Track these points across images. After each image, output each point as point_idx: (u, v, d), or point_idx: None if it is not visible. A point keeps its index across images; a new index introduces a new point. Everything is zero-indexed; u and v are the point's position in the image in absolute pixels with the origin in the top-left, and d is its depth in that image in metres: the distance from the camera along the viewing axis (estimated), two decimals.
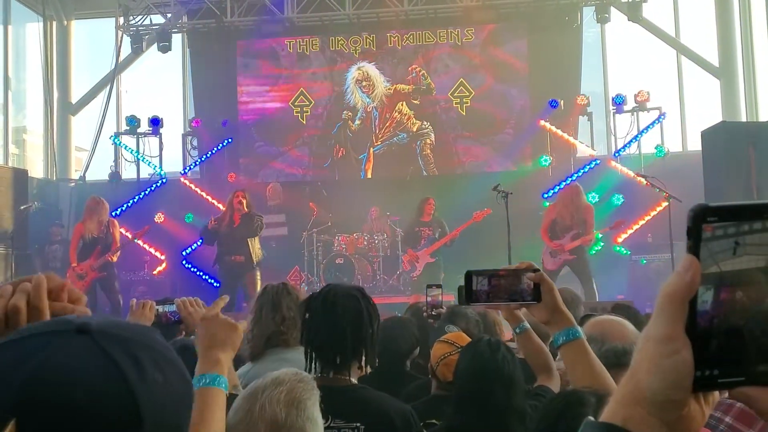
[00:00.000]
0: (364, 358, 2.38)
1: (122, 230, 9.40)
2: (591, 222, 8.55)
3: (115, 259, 8.95)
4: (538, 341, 2.75)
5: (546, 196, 10.45)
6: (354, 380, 2.39)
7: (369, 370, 2.44)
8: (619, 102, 11.19)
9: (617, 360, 1.81)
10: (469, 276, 1.74)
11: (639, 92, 11.06)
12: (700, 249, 0.65)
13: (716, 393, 0.70)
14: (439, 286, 3.95)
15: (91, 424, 0.75)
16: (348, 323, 2.35)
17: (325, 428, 2.23)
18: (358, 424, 2.27)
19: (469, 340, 2.93)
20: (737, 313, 0.65)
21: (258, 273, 8.75)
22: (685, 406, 0.67)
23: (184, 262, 10.88)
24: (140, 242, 10.22)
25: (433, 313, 3.82)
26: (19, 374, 0.75)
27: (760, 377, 0.66)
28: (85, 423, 0.75)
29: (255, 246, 8.81)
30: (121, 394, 0.76)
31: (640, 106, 11.14)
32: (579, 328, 1.76)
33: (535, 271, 1.73)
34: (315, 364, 2.38)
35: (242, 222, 8.72)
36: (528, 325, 2.72)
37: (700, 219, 0.65)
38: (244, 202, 8.76)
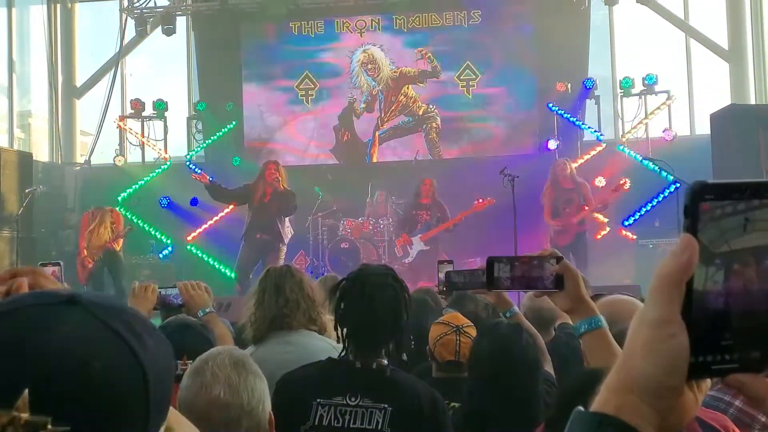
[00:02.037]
0: (394, 343, 2.38)
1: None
2: (588, 195, 8.80)
3: (118, 247, 9.05)
4: (528, 324, 2.76)
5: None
6: (385, 361, 2.39)
7: (403, 357, 2.45)
8: (626, 86, 11.12)
9: None
10: (491, 262, 1.72)
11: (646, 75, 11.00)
12: (697, 228, 0.62)
13: (708, 380, 0.67)
14: (450, 262, 3.93)
15: (108, 393, 0.75)
16: (386, 315, 2.35)
17: (354, 406, 2.28)
18: (386, 406, 2.27)
19: (465, 320, 2.92)
20: (739, 295, 0.63)
21: (283, 251, 8.60)
22: (680, 393, 0.64)
23: (189, 246, 10.89)
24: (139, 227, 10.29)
25: (444, 289, 3.81)
26: (30, 347, 0.74)
27: (754, 364, 0.63)
28: (101, 393, 0.74)
29: (284, 224, 8.63)
30: (131, 363, 0.77)
31: (648, 89, 11.05)
32: (602, 317, 1.72)
33: (559, 259, 1.70)
34: (349, 348, 2.38)
35: (273, 198, 8.44)
36: (517, 309, 2.72)
37: (698, 197, 0.63)
38: (279, 177, 8.44)
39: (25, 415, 0.62)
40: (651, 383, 0.63)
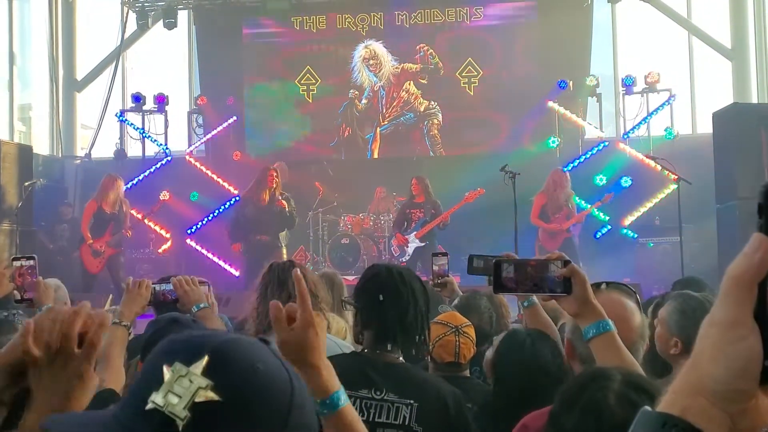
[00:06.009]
0: (420, 337, 2.38)
1: (133, 211, 9.46)
2: (573, 204, 9.08)
3: (130, 234, 9.00)
4: (545, 316, 2.74)
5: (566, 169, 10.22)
6: (401, 358, 2.37)
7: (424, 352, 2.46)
8: (628, 83, 11.10)
9: None
10: (497, 264, 1.71)
11: (649, 73, 10.95)
12: None
13: None
14: (445, 254, 3.86)
15: (261, 391, 0.88)
16: (424, 305, 2.38)
17: (379, 400, 2.24)
18: (412, 401, 2.24)
19: (463, 319, 2.90)
20: None
21: (284, 250, 8.77)
22: (752, 397, 0.62)
23: (188, 240, 10.87)
24: (149, 222, 10.23)
25: (439, 281, 3.76)
26: (212, 341, 0.91)
27: None
28: (257, 386, 0.88)
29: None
30: (285, 380, 0.92)
31: (650, 87, 11.03)
32: (610, 321, 1.71)
33: (566, 262, 1.68)
34: (379, 340, 2.36)
35: (272, 203, 8.56)
36: (536, 300, 2.68)
37: None
38: (278, 182, 8.62)
39: (197, 372, 0.84)
40: (720, 386, 0.61)
